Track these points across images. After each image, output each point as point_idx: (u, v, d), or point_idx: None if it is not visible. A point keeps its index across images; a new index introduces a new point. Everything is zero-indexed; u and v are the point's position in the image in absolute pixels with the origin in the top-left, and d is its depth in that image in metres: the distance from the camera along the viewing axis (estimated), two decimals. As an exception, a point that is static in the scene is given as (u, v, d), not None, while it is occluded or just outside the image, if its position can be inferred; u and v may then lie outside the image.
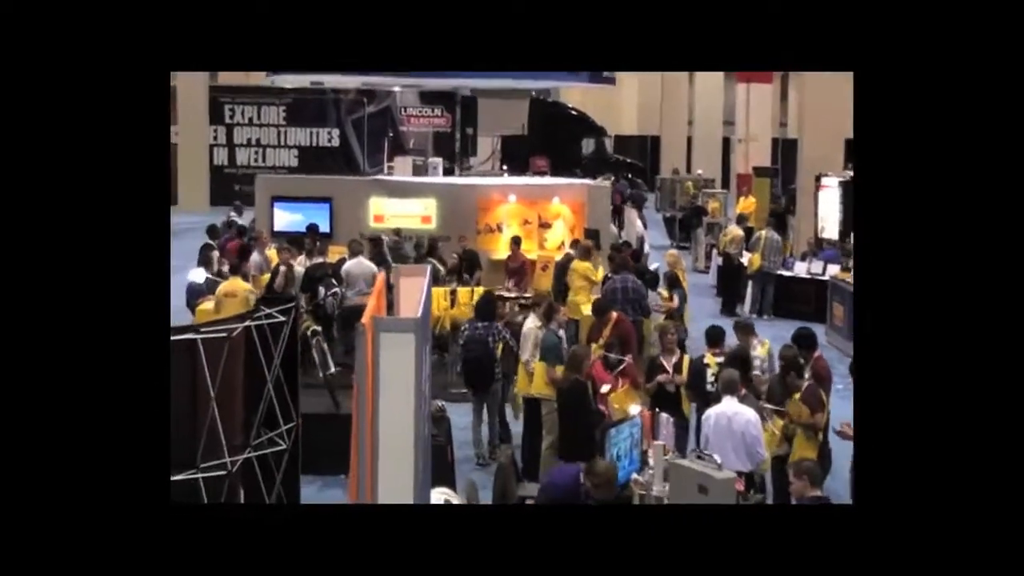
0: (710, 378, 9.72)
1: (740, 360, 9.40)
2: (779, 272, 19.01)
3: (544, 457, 10.38)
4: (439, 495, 7.59)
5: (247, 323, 7.01)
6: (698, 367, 9.97)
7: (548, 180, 21.99)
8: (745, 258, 19.46)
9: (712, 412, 8.37)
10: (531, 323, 11.25)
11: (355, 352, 13.77)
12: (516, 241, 16.69)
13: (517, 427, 11.50)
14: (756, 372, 9.95)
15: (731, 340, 10.78)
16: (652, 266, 16.72)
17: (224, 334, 6.70)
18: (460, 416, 11.45)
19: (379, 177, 20.41)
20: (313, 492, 9.85)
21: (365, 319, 6.27)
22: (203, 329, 6.78)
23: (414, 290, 7.15)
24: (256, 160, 33.72)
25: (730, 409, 8.29)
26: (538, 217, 17.99)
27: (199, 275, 14.21)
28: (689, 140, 37.49)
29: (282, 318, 7.31)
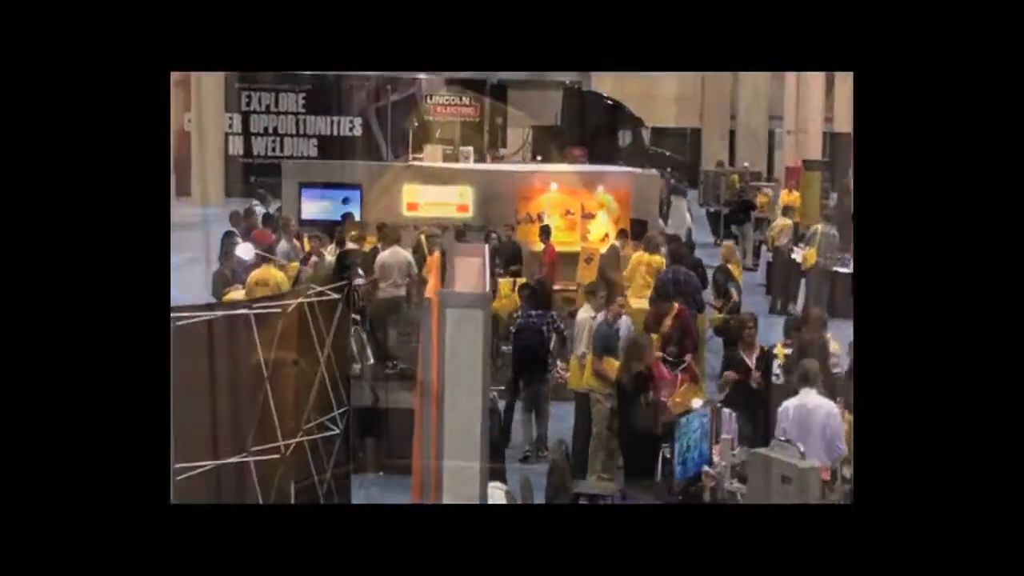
0: (776, 370, 9.69)
1: (818, 349, 9.34)
2: (836, 269, 18.72)
3: (592, 448, 10.35)
4: (494, 490, 7.59)
5: (300, 300, 6.97)
6: (767, 358, 9.92)
7: (591, 168, 21.67)
8: (797, 253, 19.24)
9: (790, 404, 8.28)
10: (584, 313, 11.19)
11: (387, 341, 13.63)
12: (545, 231, 16.64)
13: (567, 422, 11.43)
14: (837, 370, 9.88)
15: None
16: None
17: (278, 310, 6.67)
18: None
19: (413, 163, 20.22)
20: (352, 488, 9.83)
21: (429, 292, 6.24)
22: (256, 305, 6.74)
23: (472, 270, 7.08)
24: (274, 150, 33.59)
25: (810, 402, 8.21)
26: (581, 207, 17.69)
27: (247, 251, 13.99)
28: (731, 133, 37.28)
29: (336, 295, 7.27)
